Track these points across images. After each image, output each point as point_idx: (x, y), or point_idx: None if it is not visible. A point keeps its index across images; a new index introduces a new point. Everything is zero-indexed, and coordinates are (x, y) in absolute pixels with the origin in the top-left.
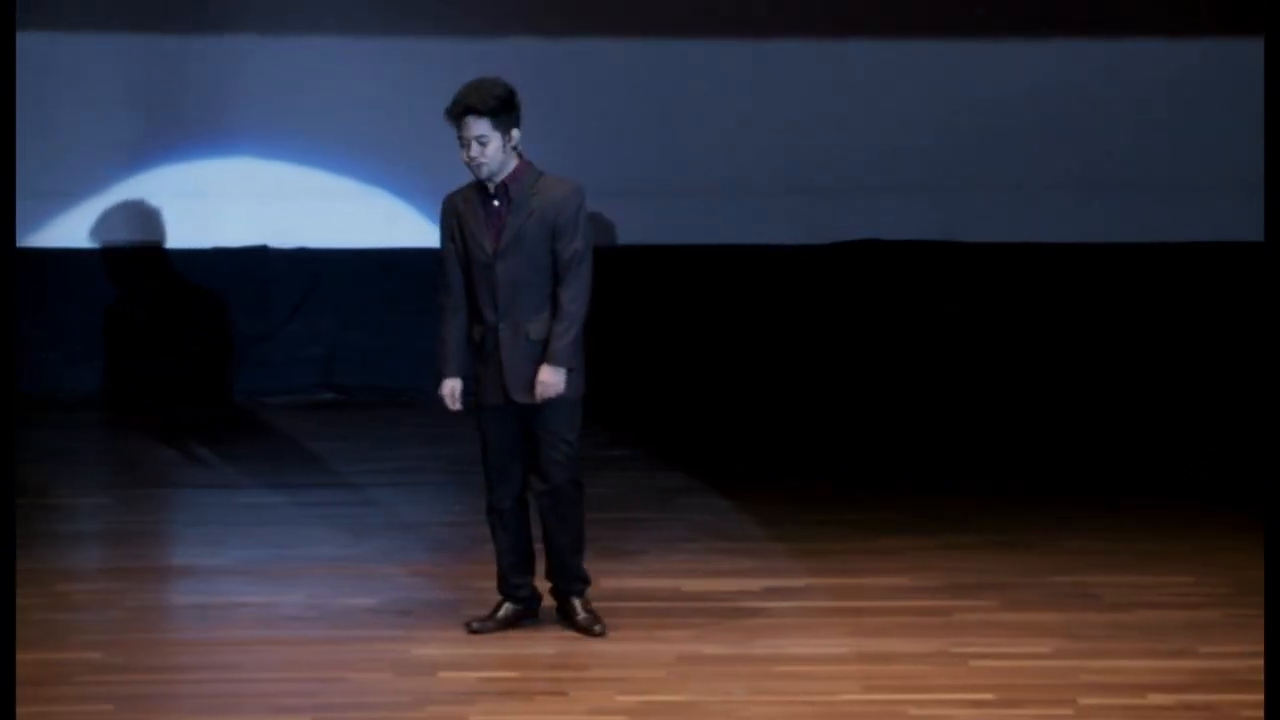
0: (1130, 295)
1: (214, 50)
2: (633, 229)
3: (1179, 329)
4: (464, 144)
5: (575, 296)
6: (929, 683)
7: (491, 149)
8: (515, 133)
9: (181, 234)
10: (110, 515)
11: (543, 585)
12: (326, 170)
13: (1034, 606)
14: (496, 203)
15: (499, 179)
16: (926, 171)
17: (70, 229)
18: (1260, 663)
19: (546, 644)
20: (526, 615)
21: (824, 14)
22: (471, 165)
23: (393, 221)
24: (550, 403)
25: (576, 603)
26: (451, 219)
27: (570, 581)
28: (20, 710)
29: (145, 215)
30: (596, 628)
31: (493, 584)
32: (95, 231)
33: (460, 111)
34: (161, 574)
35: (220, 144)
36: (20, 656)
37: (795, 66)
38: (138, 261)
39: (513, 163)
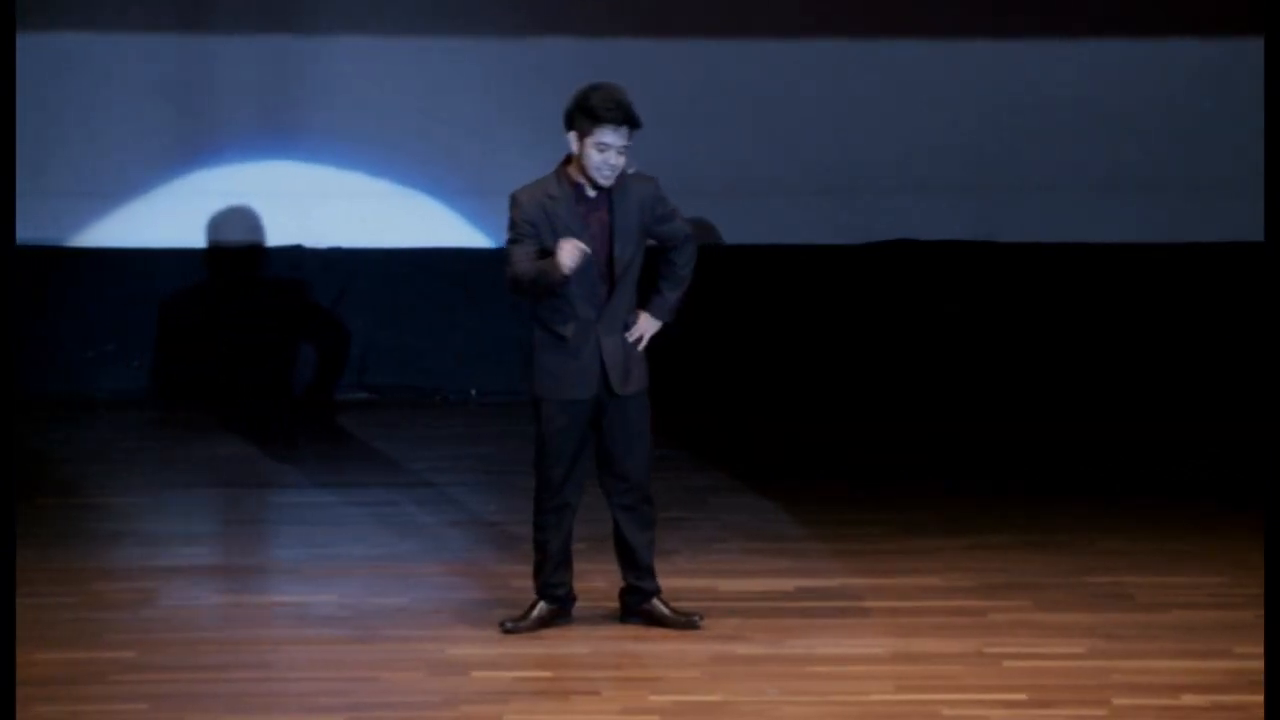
0: (1135, 295)
1: (253, 51)
2: None
3: (1182, 329)
4: (603, 149)
5: (687, 262)
6: (962, 683)
7: (624, 159)
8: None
9: (224, 232)
10: (144, 515)
11: (591, 586)
12: (361, 170)
13: (1067, 607)
14: (597, 203)
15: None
16: (947, 172)
17: (110, 228)
18: None
19: (580, 643)
20: (561, 615)
21: (853, 13)
22: (605, 171)
23: (424, 221)
24: (635, 399)
25: (661, 602)
26: (538, 216)
27: (652, 581)
28: (54, 709)
29: (194, 214)
30: (696, 618)
31: (527, 583)
32: (139, 231)
33: (623, 119)
34: (195, 573)
35: (259, 146)
36: (54, 655)
37: (820, 67)
38: (187, 260)
39: None
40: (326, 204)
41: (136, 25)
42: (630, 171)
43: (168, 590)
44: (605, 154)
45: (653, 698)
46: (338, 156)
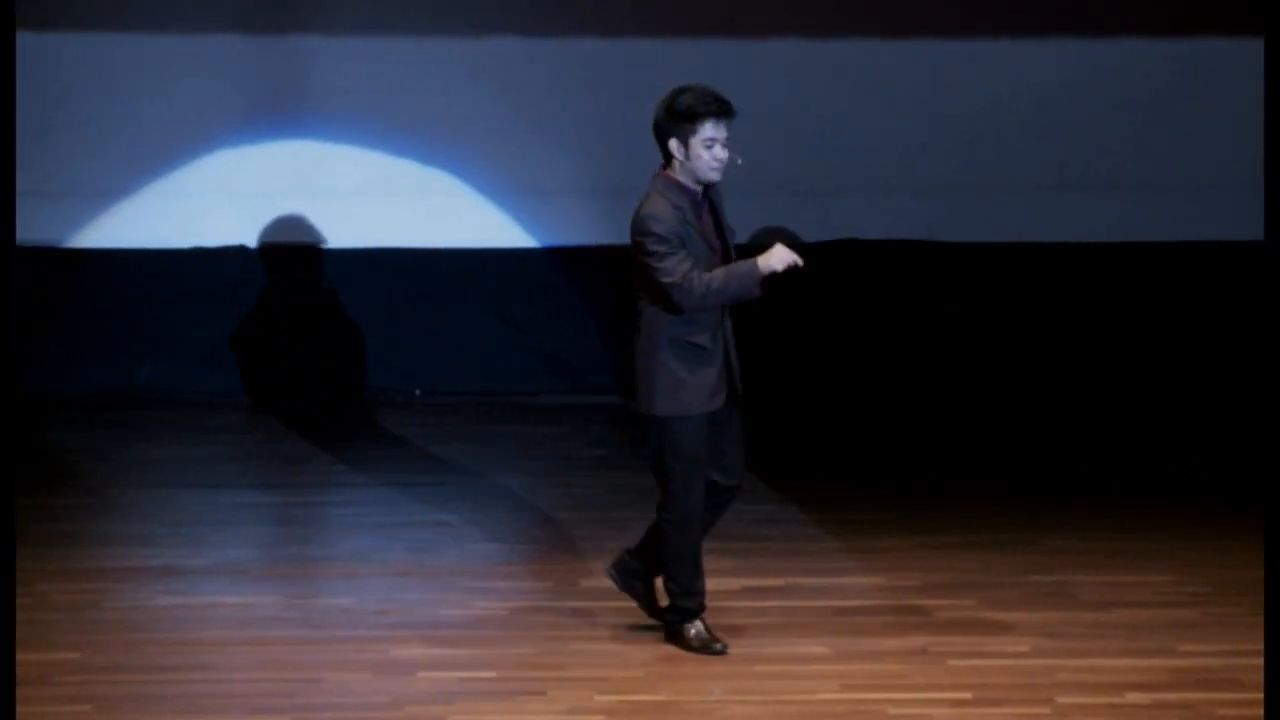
0: (1129, 295)
1: (285, 49)
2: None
3: (1178, 328)
4: (710, 144)
5: None
6: (907, 682)
7: (728, 154)
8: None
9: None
10: (90, 516)
11: (539, 586)
12: (309, 169)
13: (1012, 606)
14: (703, 206)
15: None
16: (921, 171)
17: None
18: (1239, 662)
19: (525, 644)
20: None
21: (824, 13)
22: (715, 166)
23: (368, 220)
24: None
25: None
26: (679, 229)
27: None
28: None
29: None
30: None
31: (473, 583)
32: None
33: (722, 111)
34: (141, 575)
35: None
36: None
37: (787, 65)
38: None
39: None
40: (273, 204)
41: (190, 27)
42: (739, 162)
43: (114, 592)
44: (713, 149)
45: (598, 698)
46: (294, 155)
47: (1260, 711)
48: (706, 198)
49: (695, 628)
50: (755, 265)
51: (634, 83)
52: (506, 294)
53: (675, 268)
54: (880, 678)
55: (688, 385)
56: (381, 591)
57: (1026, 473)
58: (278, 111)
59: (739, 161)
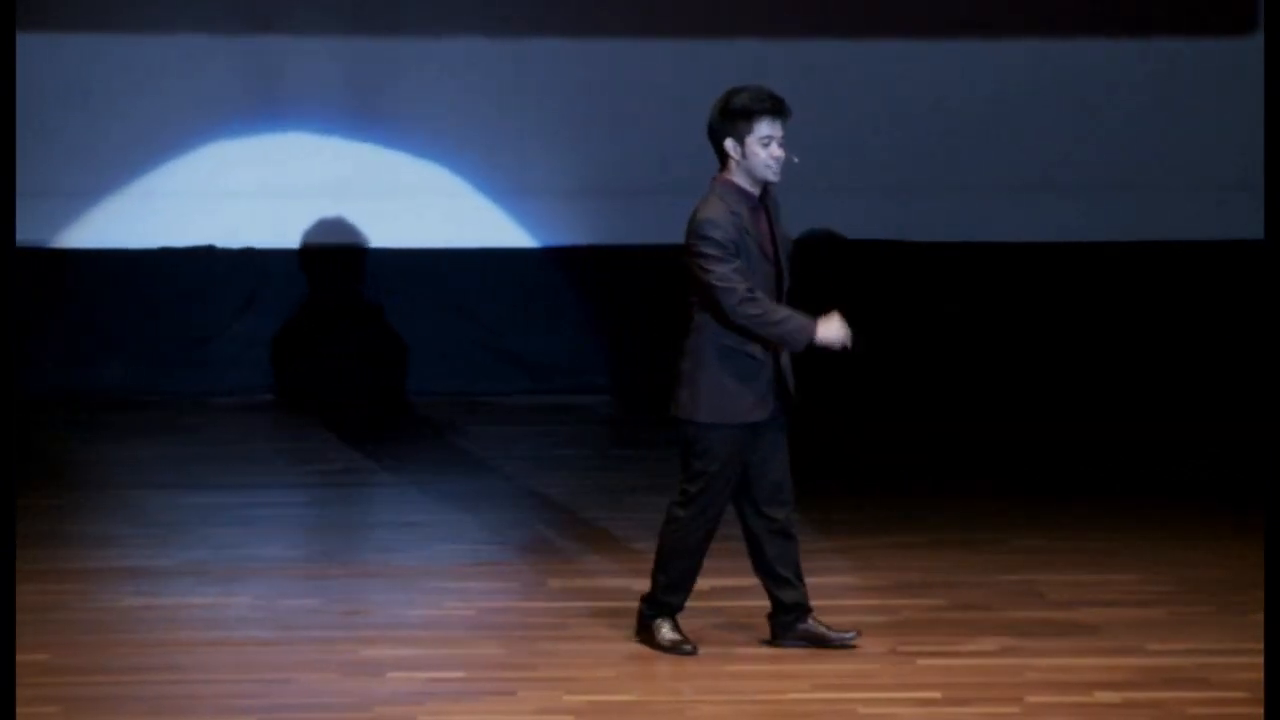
0: (1124, 294)
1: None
2: (620, 229)
3: (1173, 328)
4: (767, 142)
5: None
6: (877, 681)
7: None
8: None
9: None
10: (57, 517)
11: (509, 586)
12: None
13: (981, 605)
14: (760, 209)
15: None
16: (918, 171)
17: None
18: (1207, 660)
19: (495, 644)
20: None
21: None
22: (772, 165)
23: (333, 220)
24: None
25: (816, 621)
26: (736, 235)
27: (807, 600)
28: None
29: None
30: (850, 635)
31: (442, 584)
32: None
33: (778, 109)
34: (109, 576)
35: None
36: None
37: (779, 66)
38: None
39: None
40: (238, 204)
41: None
42: (795, 160)
43: (82, 593)
44: (769, 147)
45: (568, 698)
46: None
47: (1229, 710)
48: (763, 204)
49: (668, 625)
50: (813, 328)
51: (627, 83)
52: (476, 293)
53: (729, 275)
54: (850, 677)
55: (732, 394)
56: (350, 592)
57: (1001, 473)
58: (263, 111)
59: (795, 160)
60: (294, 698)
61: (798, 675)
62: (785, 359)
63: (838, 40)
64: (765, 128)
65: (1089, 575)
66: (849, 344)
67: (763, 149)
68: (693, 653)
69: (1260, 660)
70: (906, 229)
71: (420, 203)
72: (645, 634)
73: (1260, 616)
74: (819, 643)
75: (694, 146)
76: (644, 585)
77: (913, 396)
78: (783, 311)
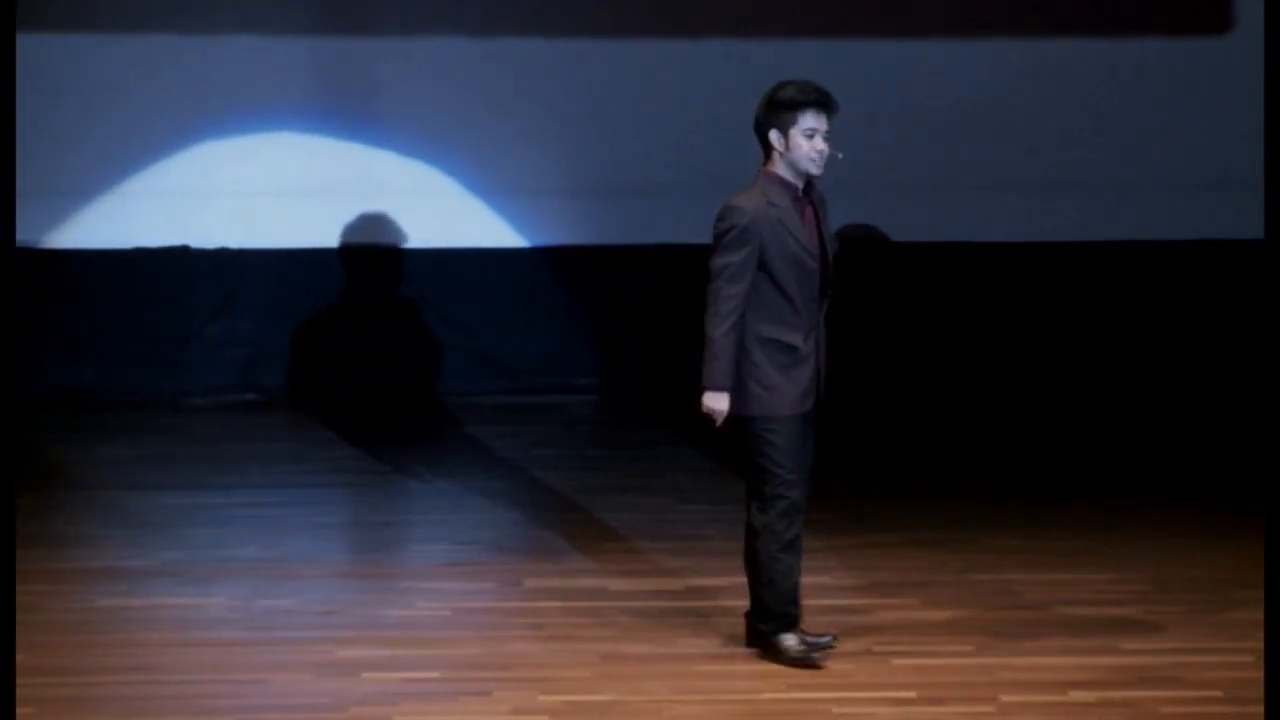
0: (1123, 294)
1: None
2: (624, 229)
3: (1173, 328)
4: (811, 134)
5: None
6: (852, 681)
7: (829, 147)
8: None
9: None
10: (31, 518)
11: (481, 587)
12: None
13: (955, 605)
14: (804, 202)
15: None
16: (918, 171)
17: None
18: (1181, 659)
19: (470, 644)
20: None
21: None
22: (815, 158)
23: (303, 221)
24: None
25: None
26: (763, 225)
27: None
28: None
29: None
30: (826, 638)
31: (415, 584)
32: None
33: (823, 102)
34: (84, 576)
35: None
36: None
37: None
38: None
39: None
40: (208, 204)
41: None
42: (839, 156)
43: (56, 594)
44: (813, 140)
45: (542, 698)
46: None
47: (1202, 709)
48: (809, 200)
49: (793, 638)
50: (714, 384)
51: (619, 84)
52: (459, 293)
53: (730, 260)
54: (824, 677)
55: (779, 386)
56: (324, 592)
57: (982, 473)
58: (243, 111)
59: (839, 156)
60: (269, 698)
61: (773, 675)
62: (826, 348)
63: (837, 40)
64: (810, 120)
65: (1064, 575)
66: (716, 424)
67: (806, 141)
68: (818, 666)
69: (1235, 659)
70: (906, 229)
71: (407, 203)
72: (771, 651)
73: (1236, 615)
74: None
75: (686, 147)
76: (619, 585)
77: (912, 396)
78: (722, 343)
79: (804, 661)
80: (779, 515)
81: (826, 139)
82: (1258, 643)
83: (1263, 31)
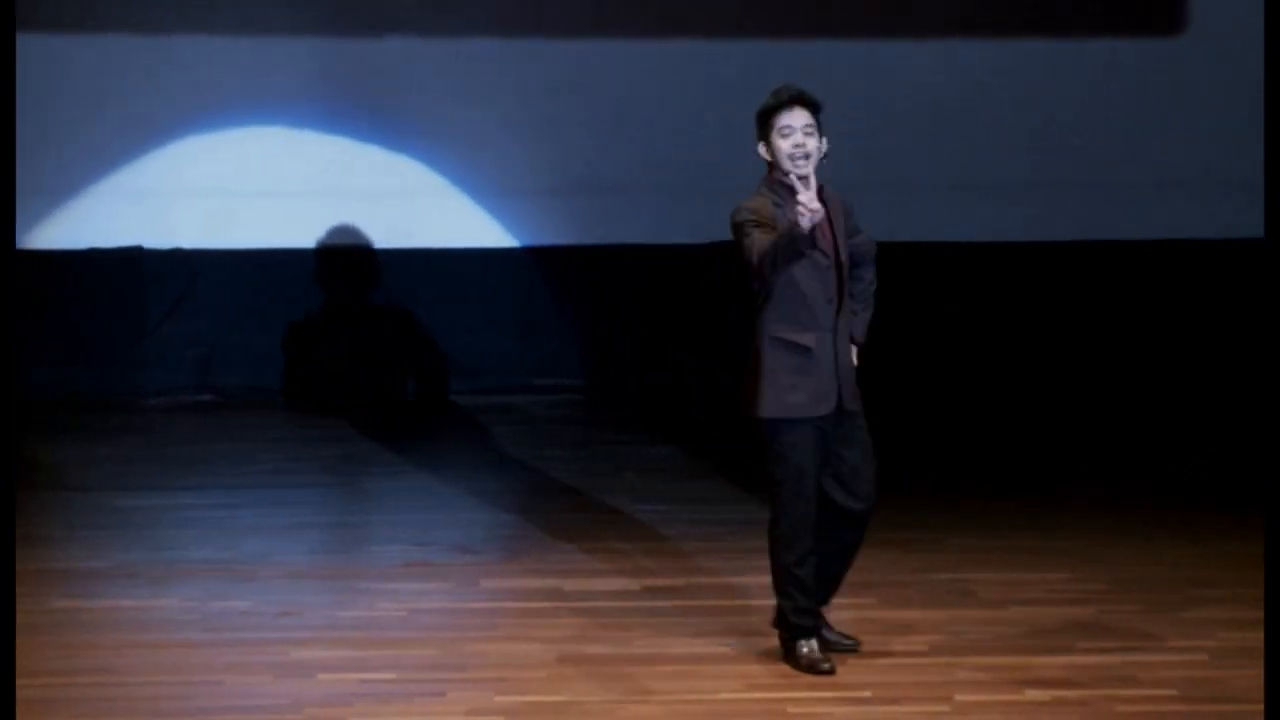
0: (1123, 294)
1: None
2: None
3: (1172, 328)
4: (787, 133)
5: (874, 279)
6: (807, 681)
7: (813, 142)
8: (825, 142)
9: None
10: None
11: (435, 587)
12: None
13: (911, 604)
14: (820, 203)
15: (812, 183)
16: (918, 171)
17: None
18: (1136, 658)
19: (425, 645)
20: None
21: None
22: (797, 154)
23: (267, 220)
24: (860, 415)
25: (828, 627)
26: (770, 217)
27: (828, 601)
28: None
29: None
30: (849, 640)
31: (373, 585)
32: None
33: (791, 100)
34: (38, 578)
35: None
36: None
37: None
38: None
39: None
40: (175, 204)
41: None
42: (825, 154)
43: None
44: (790, 137)
45: (498, 698)
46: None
47: (1157, 708)
48: (821, 202)
49: (808, 645)
50: (794, 226)
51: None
52: (431, 293)
53: (751, 237)
54: (781, 676)
55: (789, 387)
56: (280, 593)
57: (946, 474)
58: (235, 109)
59: (824, 152)
60: (224, 699)
61: (730, 675)
62: (843, 354)
63: (835, 40)
64: (783, 119)
65: (1020, 575)
66: (815, 210)
67: (784, 140)
68: (830, 672)
69: (1190, 659)
70: (907, 229)
71: (383, 203)
72: (789, 657)
73: (1191, 614)
74: (826, 646)
75: (675, 146)
76: (574, 586)
77: (911, 397)
78: (768, 237)
79: (812, 669)
80: (789, 528)
81: (810, 134)
82: (1213, 641)
83: (1216, 33)
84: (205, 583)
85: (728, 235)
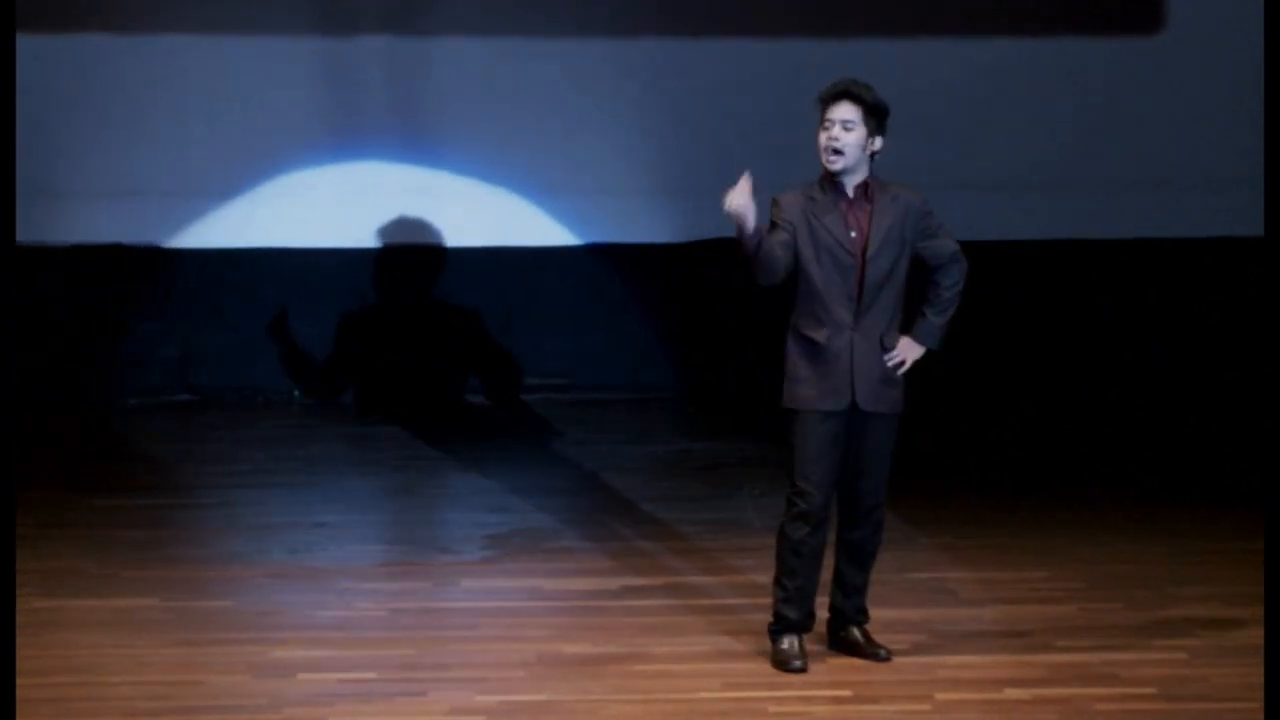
0: (1123, 293)
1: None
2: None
3: (1173, 327)
4: (827, 125)
5: (954, 284)
6: (788, 679)
7: (853, 137)
8: (879, 140)
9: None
10: None
11: (411, 586)
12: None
13: (891, 603)
14: (858, 203)
15: (855, 179)
16: (917, 171)
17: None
18: (1115, 656)
19: (406, 645)
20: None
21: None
22: (828, 148)
23: (240, 220)
24: (883, 420)
25: (861, 632)
26: (796, 216)
27: (860, 612)
28: None
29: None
30: (882, 652)
31: (353, 584)
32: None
33: (837, 94)
34: (16, 578)
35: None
36: None
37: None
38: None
39: (866, 168)
40: (145, 202)
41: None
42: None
43: None
44: (828, 130)
45: (479, 698)
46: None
47: (1137, 706)
48: (866, 199)
49: (786, 640)
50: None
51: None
52: (408, 293)
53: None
54: (761, 676)
55: (804, 379)
56: (260, 593)
57: (928, 473)
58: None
59: (830, 147)
60: (204, 699)
61: (710, 674)
62: (864, 354)
63: (834, 40)
64: (827, 112)
65: (1000, 573)
66: (746, 191)
67: (822, 133)
68: (801, 670)
69: (1169, 657)
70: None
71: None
72: (773, 650)
73: (1170, 613)
74: (853, 650)
75: (697, 146)
76: (555, 585)
77: (910, 396)
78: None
79: (781, 666)
80: (791, 519)
81: (850, 129)
82: (1192, 640)
83: (1196, 31)
84: (184, 582)
85: (709, 234)
